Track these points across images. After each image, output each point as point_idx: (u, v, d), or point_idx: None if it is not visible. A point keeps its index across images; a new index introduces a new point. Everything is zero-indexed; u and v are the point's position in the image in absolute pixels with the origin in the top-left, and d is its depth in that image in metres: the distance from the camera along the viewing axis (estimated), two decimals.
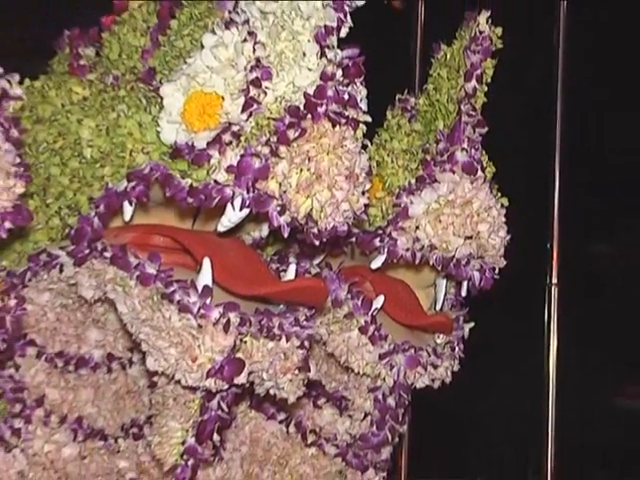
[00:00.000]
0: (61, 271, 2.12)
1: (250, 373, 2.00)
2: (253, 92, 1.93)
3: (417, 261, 2.35)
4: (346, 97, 1.95)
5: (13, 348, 2.17)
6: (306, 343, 2.06)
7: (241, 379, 1.99)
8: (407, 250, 2.33)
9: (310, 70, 1.94)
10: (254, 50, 1.94)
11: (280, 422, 2.46)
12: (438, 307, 2.51)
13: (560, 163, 7.19)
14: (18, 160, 1.94)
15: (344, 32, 1.97)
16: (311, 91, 1.93)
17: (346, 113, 1.95)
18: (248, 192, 1.93)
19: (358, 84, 1.99)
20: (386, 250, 2.34)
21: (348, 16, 1.97)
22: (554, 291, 7.09)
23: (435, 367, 2.41)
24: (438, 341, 2.46)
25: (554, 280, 7.07)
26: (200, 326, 1.94)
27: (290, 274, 2.15)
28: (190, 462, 2.09)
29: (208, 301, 1.95)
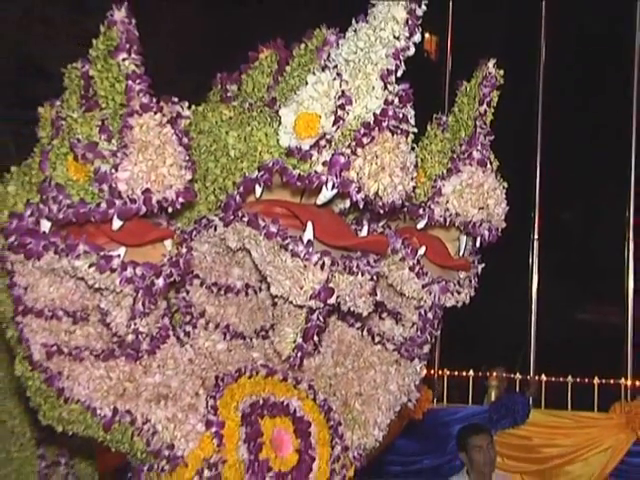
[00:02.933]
0: (215, 230, 2.13)
1: (337, 297, 2.01)
2: (340, 113, 1.93)
3: (447, 224, 2.33)
4: (401, 116, 1.94)
5: (184, 280, 2.18)
6: (375, 277, 2.06)
7: (332, 301, 2.00)
8: (440, 216, 2.31)
9: (377, 98, 1.93)
10: (340, 85, 1.93)
11: (357, 329, 2.45)
12: (461, 254, 2.47)
13: (540, 161, 7.10)
14: (187, 158, 1.95)
15: (399, 73, 1.96)
16: (378, 112, 1.92)
17: (401, 126, 1.94)
18: (336, 178, 1.93)
19: (408, 107, 1.98)
20: (427, 216, 2.33)
21: (402, 63, 1.96)
22: (536, 244, 7.02)
23: (459, 293, 2.39)
24: (461, 276, 2.43)
25: (536, 236, 7.01)
26: (305, 266, 1.95)
27: (364, 232, 2.15)
28: (299, 354, 2.12)
29: (310, 250, 1.96)
